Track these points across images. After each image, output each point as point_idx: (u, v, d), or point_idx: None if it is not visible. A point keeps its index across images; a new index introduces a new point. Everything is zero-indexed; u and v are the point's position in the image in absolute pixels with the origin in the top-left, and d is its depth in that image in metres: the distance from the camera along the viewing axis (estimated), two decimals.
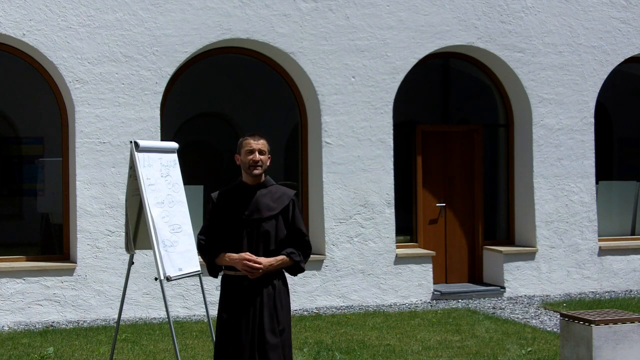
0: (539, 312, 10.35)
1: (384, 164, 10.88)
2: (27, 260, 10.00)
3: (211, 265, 5.16)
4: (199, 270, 7.11)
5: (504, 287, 11.39)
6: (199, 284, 8.42)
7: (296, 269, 5.17)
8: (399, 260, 10.95)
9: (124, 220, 7.21)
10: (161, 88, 10.09)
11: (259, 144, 5.09)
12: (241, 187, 5.19)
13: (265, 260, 4.98)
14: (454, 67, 12.13)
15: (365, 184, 10.80)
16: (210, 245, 5.13)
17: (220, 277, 5.22)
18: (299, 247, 5.14)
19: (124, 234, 7.14)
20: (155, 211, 6.75)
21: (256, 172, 5.08)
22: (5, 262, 9.85)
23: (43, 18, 9.68)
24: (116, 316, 8.88)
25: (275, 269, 5.06)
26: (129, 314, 9.83)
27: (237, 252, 5.03)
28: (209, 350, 8.05)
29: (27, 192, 10.92)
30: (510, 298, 11.29)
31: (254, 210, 5.08)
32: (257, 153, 5.06)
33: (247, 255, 4.97)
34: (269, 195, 5.13)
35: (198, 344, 8.43)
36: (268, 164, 5.15)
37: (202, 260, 5.34)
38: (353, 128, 10.77)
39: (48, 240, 10.61)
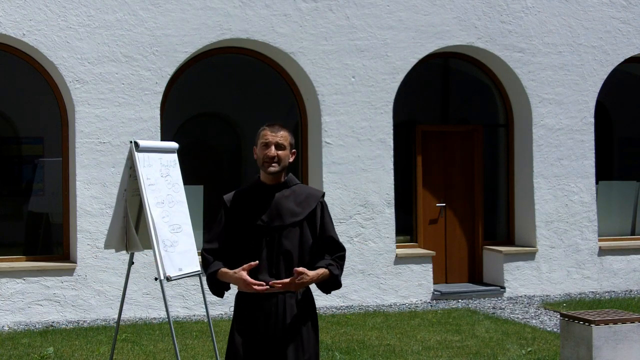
0: (539, 312, 10.35)
1: (384, 164, 10.87)
2: (27, 260, 10.00)
3: (212, 281, 4.32)
4: (199, 270, 7.11)
5: (504, 287, 11.39)
6: (199, 284, 8.42)
7: (332, 285, 4.33)
8: (399, 260, 10.94)
9: (111, 219, 7.18)
10: (161, 88, 10.09)
11: (277, 136, 4.26)
12: (258, 187, 4.35)
13: (311, 273, 4.17)
14: (454, 67, 12.13)
15: (365, 184, 10.80)
16: (213, 258, 4.32)
17: (227, 294, 4.43)
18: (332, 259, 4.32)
19: (112, 232, 7.06)
20: (155, 211, 6.75)
21: (271, 169, 4.25)
22: (5, 262, 9.85)
23: (43, 18, 9.68)
24: (116, 316, 8.87)
25: (310, 283, 4.24)
26: (129, 314, 9.82)
27: (255, 267, 4.21)
28: (209, 350, 8.05)
29: (27, 192, 10.91)
30: (510, 298, 11.29)
31: (275, 215, 4.26)
32: (273, 147, 4.24)
33: (244, 276, 4.14)
34: (292, 197, 4.31)
35: (198, 344, 8.43)
36: (290, 160, 4.33)
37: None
38: (353, 128, 10.77)
39: (48, 240, 10.61)
